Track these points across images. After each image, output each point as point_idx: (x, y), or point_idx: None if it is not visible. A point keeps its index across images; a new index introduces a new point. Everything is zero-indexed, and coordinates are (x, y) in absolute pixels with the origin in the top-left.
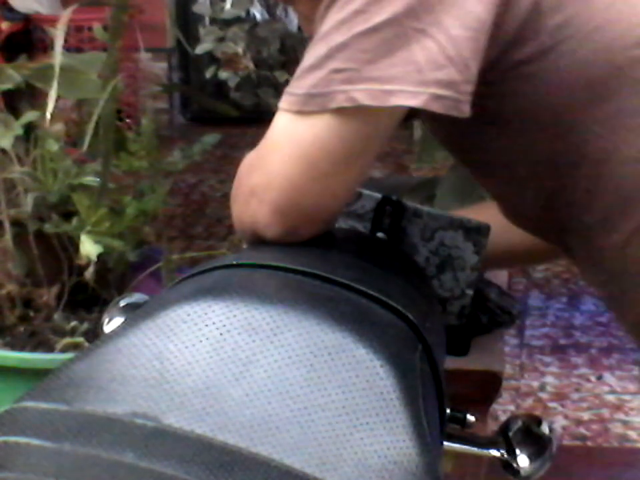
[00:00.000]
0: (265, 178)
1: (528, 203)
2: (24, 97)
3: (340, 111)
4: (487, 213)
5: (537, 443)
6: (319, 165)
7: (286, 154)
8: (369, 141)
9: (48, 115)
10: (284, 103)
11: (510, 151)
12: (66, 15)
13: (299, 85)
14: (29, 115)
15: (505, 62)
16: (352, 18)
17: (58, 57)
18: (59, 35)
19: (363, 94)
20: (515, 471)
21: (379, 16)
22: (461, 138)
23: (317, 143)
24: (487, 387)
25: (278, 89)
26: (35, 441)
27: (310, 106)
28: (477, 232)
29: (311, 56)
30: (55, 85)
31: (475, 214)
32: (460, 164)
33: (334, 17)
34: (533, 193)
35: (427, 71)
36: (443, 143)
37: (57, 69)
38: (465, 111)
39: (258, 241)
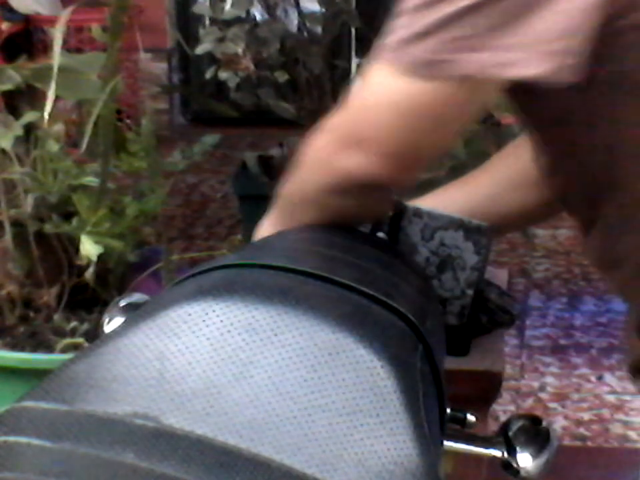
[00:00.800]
0: (372, 131)
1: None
2: (24, 97)
3: (459, 78)
4: (499, 171)
5: (537, 443)
6: (424, 124)
7: (394, 110)
8: (476, 106)
9: (46, 116)
10: (391, 61)
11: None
12: (65, 15)
13: (413, 47)
14: (29, 116)
15: (618, 27)
16: None
17: (57, 57)
18: (57, 36)
19: (485, 63)
20: (515, 471)
21: None
22: (554, 111)
23: (429, 105)
24: (487, 387)
25: (278, 89)
26: (35, 441)
27: (429, 71)
28: (477, 232)
29: (423, 17)
30: (53, 85)
31: (487, 172)
32: (538, 144)
33: None
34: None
35: (548, 41)
36: (527, 117)
37: (55, 69)
38: (581, 79)
39: (345, 189)
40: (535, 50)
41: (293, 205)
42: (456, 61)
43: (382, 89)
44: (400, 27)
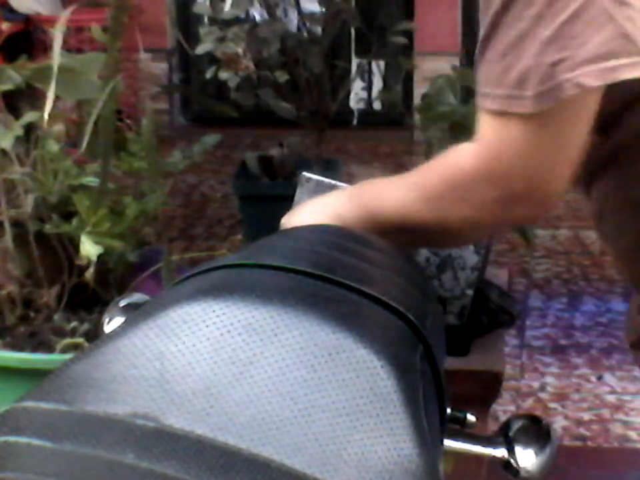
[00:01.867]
0: (529, 182)
1: None
2: (24, 97)
3: (568, 99)
4: None
5: (537, 443)
6: (567, 152)
7: (541, 154)
8: (591, 118)
9: (46, 116)
10: (513, 108)
11: None
12: (65, 15)
13: (524, 87)
14: (29, 116)
15: None
16: (548, 9)
17: (56, 57)
18: (57, 36)
19: (587, 77)
20: (515, 471)
21: (575, 1)
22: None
23: (561, 134)
24: (487, 387)
25: (278, 90)
26: (35, 441)
27: (544, 104)
28: None
29: (517, 59)
30: (53, 85)
31: None
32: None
33: (525, 13)
34: None
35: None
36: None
37: (55, 70)
38: None
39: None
40: (626, 52)
41: (401, 225)
42: (559, 85)
43: (518, 136)
44: (498, 75)
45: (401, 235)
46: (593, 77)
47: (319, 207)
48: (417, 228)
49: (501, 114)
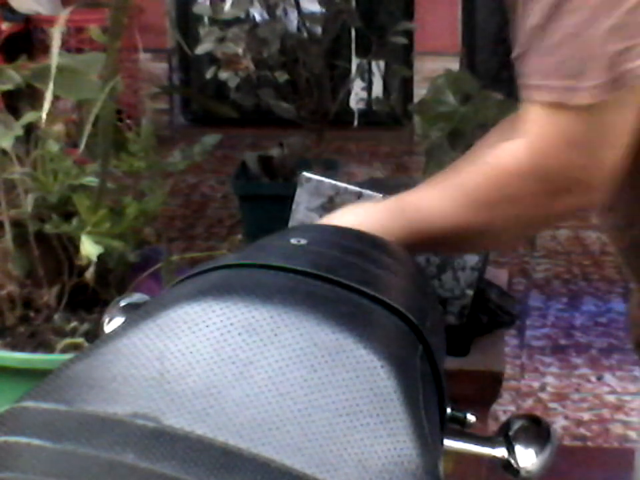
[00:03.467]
0: (580, 173)
1: None
2: (24, 97)
3: (632, 89)
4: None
5: (537, 443)
6: (618, 140)
7: (598, 145)
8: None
9: (44, 116)
10: (571, 100)
11: None
12: (63, 15)
13: (582, 78)
14: (29, 116)
15: None
16: None
17: (55, 57)
18: (55, 36)
19: None
20: (515, 471)
21: None
22: None
23: (616, 125)
24: (487, 387)
25: (278, 90)
26: (35, 441)
27: (606, 94)
28: None
29: (576, 49)
30: (51, 85)
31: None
32: None
33: (586, 2)
34: None
35: None
36: None
37: (53, 69)
38: None
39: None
40: None
41: (442, 229)
42: (625, 74)
43: (573, 128)
44: (555, 64)
45: (451, 245)
46: None
47: (354, 217)
48: (467, 234)
49: (555, 105)
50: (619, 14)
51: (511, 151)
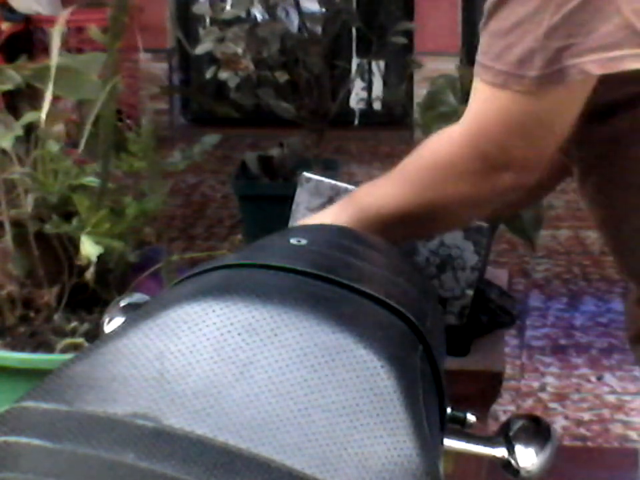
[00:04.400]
0: (518, 150)
1: None
2: (24, 97)
3: (569, 83)
4: None
5: (537, 443)
6: (556, 129)
7: (535, 129)
8: (584, 102)
9: (43, 116)
10: (514, 86)
11: None
12: (63, 15)
13: (527, 67)
14: (29, 116)
15: None
16: None
17: (55, 57)
18: (56, 36)
19: (592, 64)
20: (516, 471)
21: None
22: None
23: (553, 113)
24: (487, 387)
25: (278, 90)
26: (35, 441)
27: (546, 85)
28: (477, 232)
29: (522, 38)
30: (50, 85)
31: None
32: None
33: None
34: None
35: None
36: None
37: (53, 70)
38: None
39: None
40: (631, 43)
41: (392, 215)
42: (564, 69)
43: (511, 110)
44: (501, 50)
45: (401, 229)
46: (598, 65)
47: (318, 220)
48: (413, 218)
49: (498, 87)
50: (564, 11)
51: (449, 133)
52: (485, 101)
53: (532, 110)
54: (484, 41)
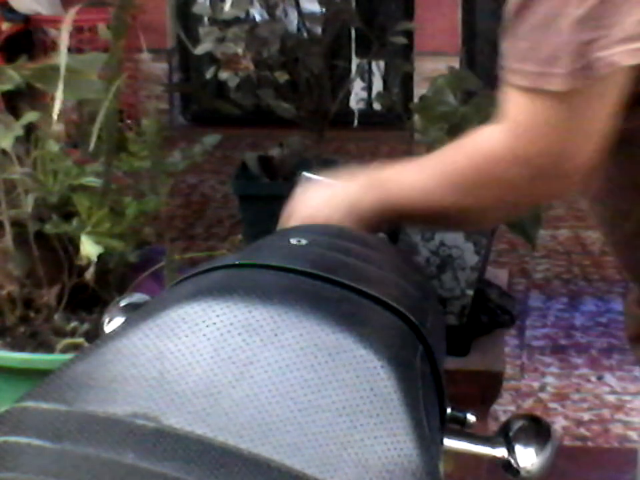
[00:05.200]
0: (558, 158)
1: None
2: (24, 97)
3: (600, 77)
4: None
5: (537, 443)
6: (595, 127)
7: (575, 129)
8: (620, 95)
9: (54, 116)
10: (544, 86)
11: None
12: (70, 15)
13: (555, 65)
14: (29, 116)
15: None
16: None
17: (63, 57)
18: (63, 36)
19: (621, 55)
20: (516, 471)
21: None
22: None
23: (591, 111)
24: (487, 387)
25: (278, 90)
26: (35, 441)
27: (576, 82)
28: (477, 232)
29: (547, 36)
30: (60, 86)
31: None
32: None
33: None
34: None
35: None
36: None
37: (62, 70)
38: None
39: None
40: None
41: (413, 209)
42: (592, 63)
43: (547, 112)
44: (527, 51)
45: (421, 221)
46: (627, 56)
47: (329, 198)
48: (446, 213)
49: (530, 90)
50: (588, 4)
51: (491, 134)
52: (519, 104)
53: (568, 109)
54: (509, 46)
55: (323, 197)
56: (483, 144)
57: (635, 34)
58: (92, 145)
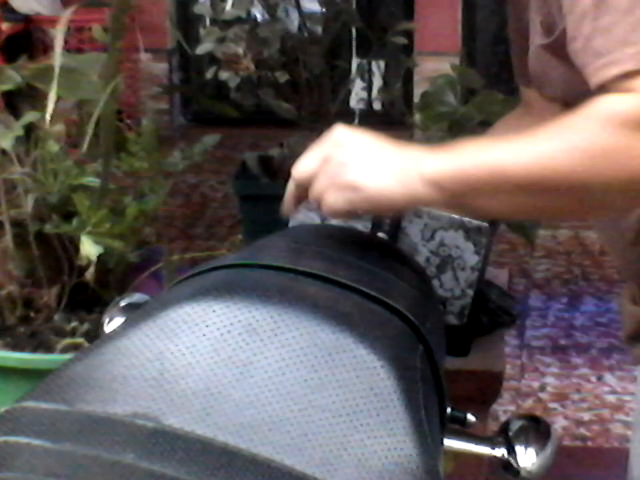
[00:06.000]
0: None
1: None
2: (24, 97)
3: None
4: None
5: (537, 443)
6: None
7: None
8: None
9: (48, 116)
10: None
11: None
12: (66, 15)
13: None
14: (29, 116)
15: None
16: None
17: (58, 57)
18: (58, 36)
19: None
20: (515, 471)
21: None
22: None
23: None
24: (487, 387)
25: (278, 90)
26: (35, 441)
27: None
28: (477, 232)
29: (624, 25)
30: (54, 85)
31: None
32: None
33: None
34: None
35: None
36: None
37: (56, 70)
38: None
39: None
40: None
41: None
42: None
43: None
44: (627, 33)
45: (529, 198)
46: None
47: (399, 171)
48: (559, 188)
49: (634, 74)
50: None
51: (620, 99)
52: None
53: None
54: (596, 42)
55: (389, 169)
56: (621, 108)
57: None
58: (85, 145)
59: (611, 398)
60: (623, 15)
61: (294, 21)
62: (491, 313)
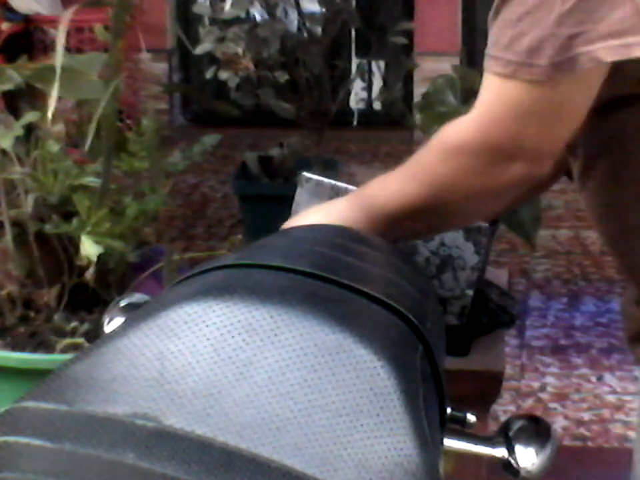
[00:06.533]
0: (529, 140)
1: None
2: (24, 97)
3: (581, 71)
4: None
5: (537, 443)
6: (568, 119)
7: (546, 119)
8: (596, 91)
9: (49, 116)
10: (525, 75)
11: None
12: (67, 15)
13: (537, 56)
14: (29, 116)
15: None
16: None
17: (59, 57)
18: (60, 36)
19: (604, 52)
20: (515, 471)
21: None
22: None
23: (565, 102)
24: (487, 387)
25: (278, 90)
26: (35, 441)
27: (557, 74)
28: (477, 232)
29: (532, 27)
30: (56, 85)
31: None
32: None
33: None
34: None
35: None
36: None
37: (58, 70)
38: None
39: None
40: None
41: (401, 213)
42: (575, 57)
43: (522, 100)
44: (511, 40)
45: (409, 226)
46: (610, 52)
47: (322, 214)
48: (422, 214)
49: (508, 77)
50: (564, 8)
51: (459, 124)
52: (495, 91)
53: (543, 99)
54: (493, 33)
55: (316, 216)
56: (454, 130)
57: (620, 30)
58: (87, 145)
59: (611, 398)
60: (516, 20)
61: (293, 21)
62: (490, 313)
